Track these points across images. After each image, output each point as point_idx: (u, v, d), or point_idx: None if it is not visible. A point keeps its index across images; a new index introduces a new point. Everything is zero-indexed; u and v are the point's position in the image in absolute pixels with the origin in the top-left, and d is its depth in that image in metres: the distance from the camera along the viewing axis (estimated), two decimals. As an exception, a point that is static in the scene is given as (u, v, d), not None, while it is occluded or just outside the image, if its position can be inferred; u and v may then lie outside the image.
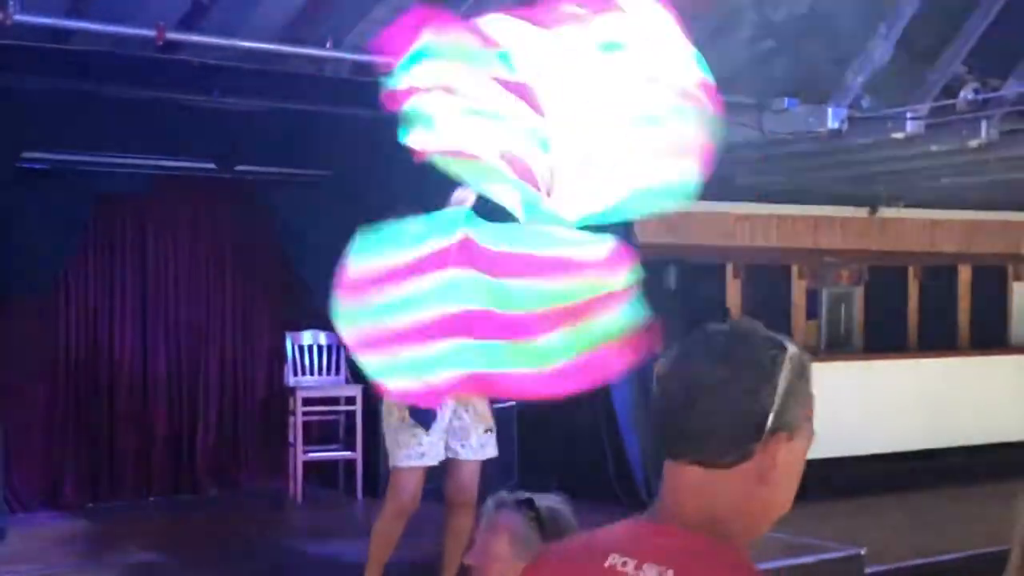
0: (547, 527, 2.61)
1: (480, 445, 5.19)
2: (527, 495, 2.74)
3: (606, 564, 1.50)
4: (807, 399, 1.56)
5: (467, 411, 5.15)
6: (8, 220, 6.59)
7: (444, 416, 5.11)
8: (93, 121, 6.72)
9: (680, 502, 1.52)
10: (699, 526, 1.49)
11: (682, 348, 1.56)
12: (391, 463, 5.20)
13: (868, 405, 10.20)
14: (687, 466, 1.51)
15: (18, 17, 5.69)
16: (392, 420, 5.17)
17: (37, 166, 6.74)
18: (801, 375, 1.55)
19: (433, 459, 5.12)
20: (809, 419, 1.57)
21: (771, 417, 1.50)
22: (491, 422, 5.24)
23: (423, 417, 5.05)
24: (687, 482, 1.51)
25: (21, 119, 6.52)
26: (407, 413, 5.06)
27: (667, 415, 1.53)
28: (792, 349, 1.55)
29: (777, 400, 1.51)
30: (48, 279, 6.98)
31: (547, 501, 2.73)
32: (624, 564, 1.49)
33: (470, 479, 5.16)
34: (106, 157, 6.94)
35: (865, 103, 6.95)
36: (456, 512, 5.14)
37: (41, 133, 6.62)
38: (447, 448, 5.17)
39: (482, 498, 4.90)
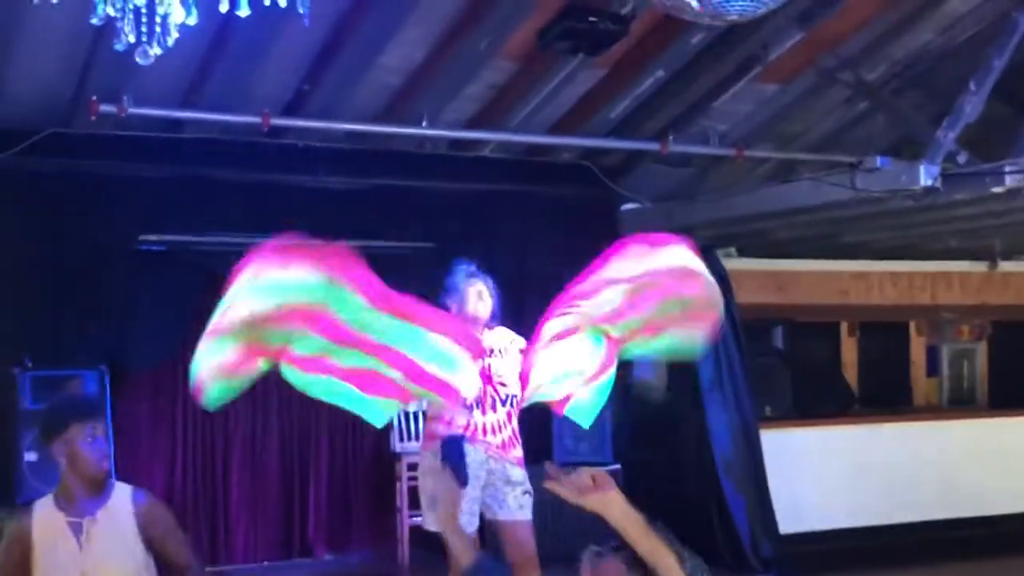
0: (648, 568, 2.68)
1: (519, 506, 5.24)
2: (616, 543, 2.80)
3: None
4: None
5: (498, 474, 5.22)
6: (128, 300, 6.98)
7: (480, 477, 5.16)
8: (205, 204, 7.13)
9: None
10: None
11: None
12: (424, 525, 5.32)
13: (995, 464, 9.89)
14: None
15: (132, 110, 6.11)
16: (427, 481, 5.28)
17: (154, 248, 7.12)
18: None
19: (466, 524, 4.95)
20: None
21: None
22: (528, 485, 5.28)
23: (456, 464, 5.01)
24: None
25: (138, 204, 6.97)
26: (438, 462, 5.04)
27: None
28: None
29: None
30: (166, 355, 7.32)
31: None
32: None
33: (523, 538, 5.20)
34: (218, 237, 7.28)
35: (962, 158, 6.86)
36: (520, 573, 5.21)
37: (157, 217, 7.04)
38: (487, 510, 5.25)
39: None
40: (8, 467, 6.30)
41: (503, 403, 5.26)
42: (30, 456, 6.30)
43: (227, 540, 7.72)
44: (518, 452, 5.31)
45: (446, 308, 5.16)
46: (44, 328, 6.71)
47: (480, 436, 5.21)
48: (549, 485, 2.56)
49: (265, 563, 7.79)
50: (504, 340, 5.34)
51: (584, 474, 2.55)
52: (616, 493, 2.53)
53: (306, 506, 7.96)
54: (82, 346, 6.75)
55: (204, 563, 7.57)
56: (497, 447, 5.23)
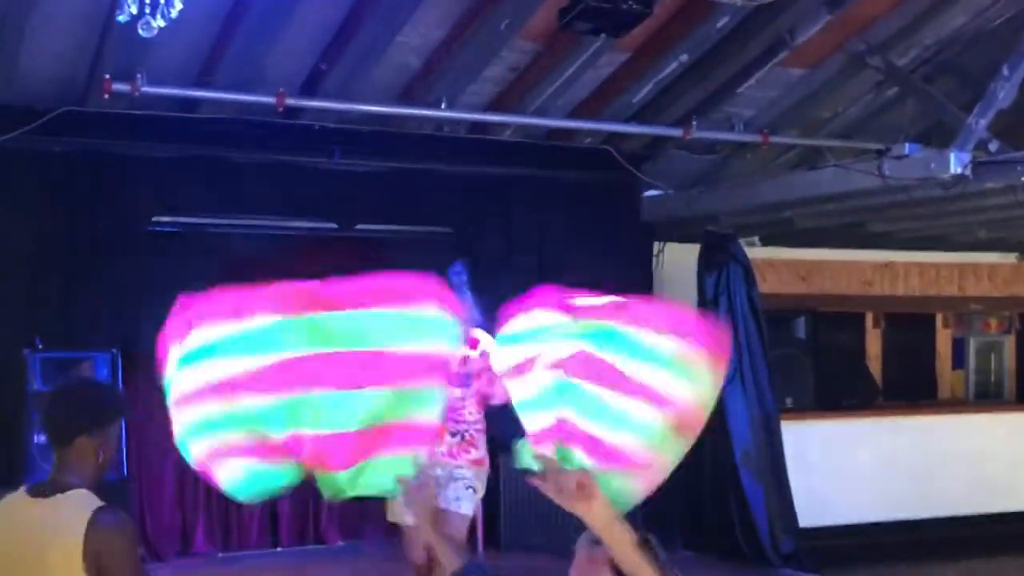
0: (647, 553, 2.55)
1: (455, 498, 5.19)
2: None
3: None
4: None
5: (444, 474, 5.16)
6: (141, 282, 6.88)
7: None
8: (219, 185, 7.04)
9: None
10: None
11: None
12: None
13: (1021, 458, 9.74)
14: None
15: (145, 89, 6.02)
16: None
17: (168, 229, 7.04)
18: None
19: (398, 517, 5.18)
20: None
21: None
22: (473, 482, 5.26)
23: None
24: None
25: (152, 185, 6.89)
26: None
27: None
28: None
29: None
30: (179, 337, 7.25)
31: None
32: None
33: (453, 529, 5.07)
34: (232, 219, 7.20)
35: (993, 146, 6.69)
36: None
37: (171, 198, 6.96)
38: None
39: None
40: (16, 449, 6.23)
41: (460, 433, 5.26)
42: (40, 438, 6.22)
43: (240, 526, 7.63)
44: (472, 455, 5.28)
45: None
46: (55, 309, 6.63)
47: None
48: (533, 481, 2.37)
49: (279, 549, 7.71)
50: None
51: (571, 476, 2.31)
52: (602, 502, 2.30)
53: (319, 492, 7.85)
54: (94, 328, 6.68)
55: (216, 549, 7.51)
56: (443, 455, 5.19)
